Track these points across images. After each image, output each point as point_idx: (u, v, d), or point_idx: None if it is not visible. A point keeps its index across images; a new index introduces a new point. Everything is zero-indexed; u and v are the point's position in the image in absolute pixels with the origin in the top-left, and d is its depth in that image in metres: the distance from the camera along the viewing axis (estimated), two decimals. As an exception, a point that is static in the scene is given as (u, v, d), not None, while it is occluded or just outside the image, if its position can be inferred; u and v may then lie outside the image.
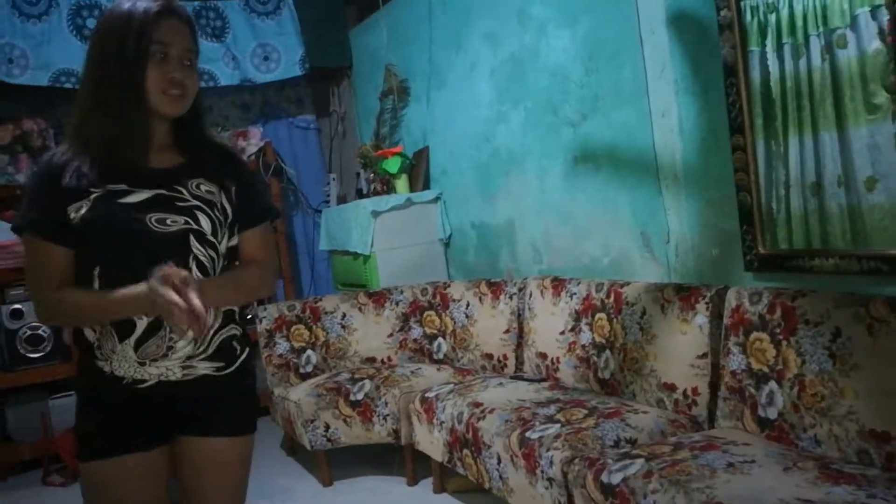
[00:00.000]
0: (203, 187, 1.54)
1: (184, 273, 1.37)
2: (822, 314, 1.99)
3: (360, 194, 4.45)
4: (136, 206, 1.46)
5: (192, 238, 1.49)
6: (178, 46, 1.46)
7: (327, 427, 3.15)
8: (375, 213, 3.98)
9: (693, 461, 1.90)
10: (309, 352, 3.58)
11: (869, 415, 1.85)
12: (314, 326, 3.62)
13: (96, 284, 1.45)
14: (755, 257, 2.37)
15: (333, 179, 4.72)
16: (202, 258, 1.50)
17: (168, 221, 1.47)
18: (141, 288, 1.36)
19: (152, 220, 1.46)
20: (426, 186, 4.21)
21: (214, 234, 1.53)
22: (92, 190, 1.44)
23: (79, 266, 1.47)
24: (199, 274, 1.49)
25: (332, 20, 4.86)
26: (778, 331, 2.09)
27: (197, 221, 1.50)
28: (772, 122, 2.29)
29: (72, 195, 1.43)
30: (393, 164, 4.07)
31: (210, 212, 1.53)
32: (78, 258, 1.46)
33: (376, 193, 4.21)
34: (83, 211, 1.43)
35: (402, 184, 4.12)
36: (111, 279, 1.43)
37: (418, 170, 4.22)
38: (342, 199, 4.62)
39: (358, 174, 4.55)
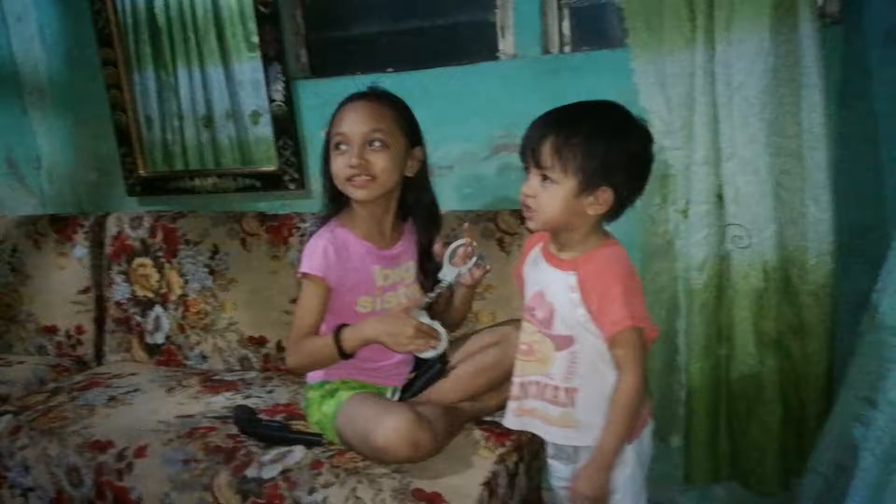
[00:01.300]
0: None
1: None
2: (201, 233, 2.01)
3: None
4: None
5: None
6: None
7: None
8: None
9: (71, 404, 1.73)
10: None
11: (247, 323, 1.95)
12: None
13: None
14: (137, 181, 2.26)
15: None
16: None
17: None
18: None
19: None
20: None
21: None
22: None
23: None
24: None
25: None
26: (160, 254, 2.04)
27: None
28: (161, 52, 2.17)
29: None
30: None
31: None
32: None
33: None
34: None
35: None
36: None
37: None
38: None
39: None
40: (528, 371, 1.26)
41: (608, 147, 1.13)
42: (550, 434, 1.25)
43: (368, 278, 1.49)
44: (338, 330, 1.41)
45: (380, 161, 1.42)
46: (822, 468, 1.38)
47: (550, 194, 1.15)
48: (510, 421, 1.30)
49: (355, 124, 1.42)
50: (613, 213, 1.20)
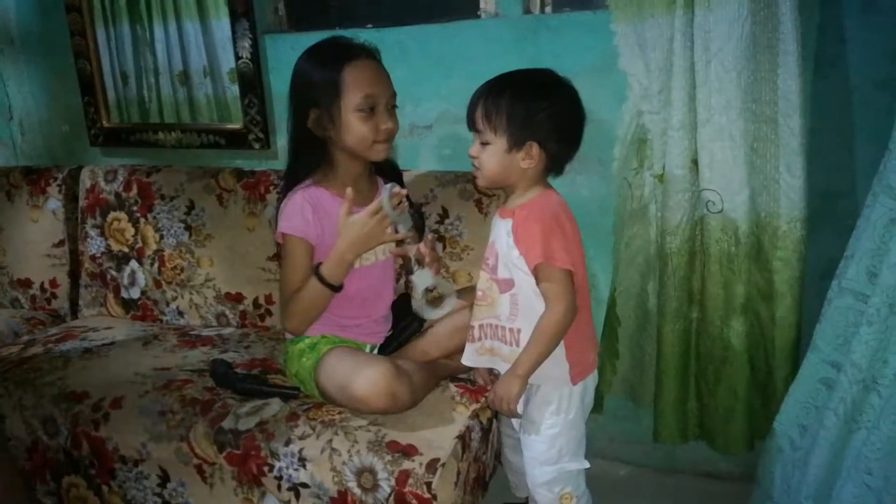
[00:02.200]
0: None
1: None
2: (176, 188, 1.99)
3: None
4: None
5: None
6: None
7: None
8: None
9: (46, 356, 1.72)
10: None
11: (224, 280, 1.94)
12: None
13: None
14: (100, 131, 2.23)
15: None
16: None
17: None
18: None
19: None
20: None
21: None
22: None
23: None
24: None
25: None
26: (135, 208, 2.01)
27: None
28: (136, 5, 2.12)
29: None
30: None
31: None
32: None
33: None
34: None
35: None
36: None
37: None
38: None
39: None
40: (482, 315, 1.35)
41: (528, 106, 1.23)
42: (504, 368, 1.33)
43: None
44: (317, 268, 1.42)
45: (395, 123, 1.46)
46: (786, 429, 1.43)
47: (488, 154, 1.27)
48: (468, 359, 1.38)
49: (382, 87, 1.44)
50: (551, 168, 1.29)
